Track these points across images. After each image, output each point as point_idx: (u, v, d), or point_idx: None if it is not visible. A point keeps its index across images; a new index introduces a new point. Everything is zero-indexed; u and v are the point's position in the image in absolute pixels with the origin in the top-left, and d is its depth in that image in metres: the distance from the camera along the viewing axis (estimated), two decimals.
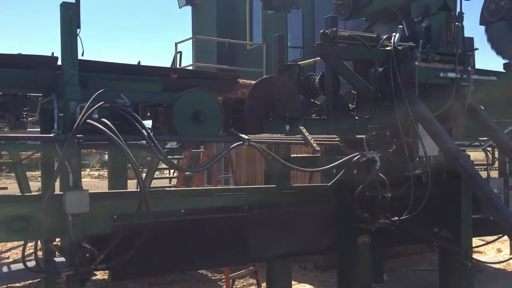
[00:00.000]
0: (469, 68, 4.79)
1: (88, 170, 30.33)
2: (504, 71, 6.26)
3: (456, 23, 4.80)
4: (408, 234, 4.76)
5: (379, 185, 4.38)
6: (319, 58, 5.03)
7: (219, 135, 4.37)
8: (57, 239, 4.47)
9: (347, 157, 4.39)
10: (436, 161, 4.73)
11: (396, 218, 4.43)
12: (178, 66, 10.66)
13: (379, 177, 4.38)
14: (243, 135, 4.09)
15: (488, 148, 5.56)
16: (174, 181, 9.66)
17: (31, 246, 5.13)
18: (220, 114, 4.30)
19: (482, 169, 5.64)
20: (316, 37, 5.99)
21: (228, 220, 4.27)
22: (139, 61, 5.67)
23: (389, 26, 5.43)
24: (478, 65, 5.15)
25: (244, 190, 4.83)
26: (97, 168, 32.16)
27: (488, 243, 6.51)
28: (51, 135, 3.70)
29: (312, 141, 4.41)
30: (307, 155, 5.27)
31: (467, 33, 4.99)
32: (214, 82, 4.67)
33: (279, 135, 4.55)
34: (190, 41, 10.94)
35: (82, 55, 3.75)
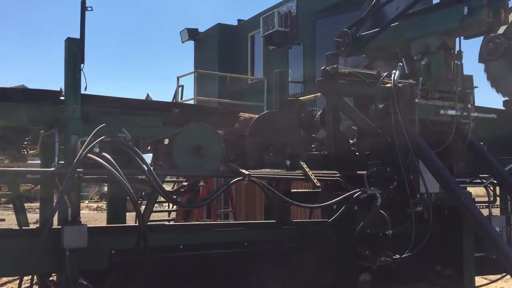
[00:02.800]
0: (469, 106, 4.82)
1: (86, 202, 30.16)
2: (503, 108, 6.30)
3: (456, 62, 4.86)
4: (410, 272, 4.69)
5: (380, 222, 4.34)
6: (319, 93, 5.08)
7: (220, 170, 4.37)
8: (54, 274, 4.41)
9: (348, 193, 4.37)
10: (437, 198, 4.70)
11: (398, 256, 4.37)
12: (180, 100, 10.77)
13: (380, 214, 4.35)
14: (243, 170, 4.08)
15: (489, 185, 5.53)
16: (173, 214, 9.60)
17: (27, 281, 5.06)
18: (221, 149, 4.31)
19: (484, 207, 5.59)
20: (317, 72, 6.06)
21: (227, 256, 4.22)
22: (148, 94, 5.73)
23: (389, 63, 5.50)
24: (477, 103, 5.20)
25: (244, 225, 4.79)
26: (95, 200, 32.00)
27: (491, 282, 6.41)
28: (51, 169, 3.70)
29: (312, 177, 4.40)
30: (307, 190, 5.25)
31: (466, 70, 5.06)
32: (215, 117, 4.70)
33: (279, 170, 4.54)
34: (192, 75, 11.07)
35: (85, 89, 3.80)
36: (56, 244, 3.43)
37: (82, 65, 3.74)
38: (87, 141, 3.53)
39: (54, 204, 3.64)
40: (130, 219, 7.40)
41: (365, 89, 4.69)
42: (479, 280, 5.86)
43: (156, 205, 7.96)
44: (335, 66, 4.63)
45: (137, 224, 3.64)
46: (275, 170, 4.50)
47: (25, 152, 4.82)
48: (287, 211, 4.71)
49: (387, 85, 4.68)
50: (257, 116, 5.05)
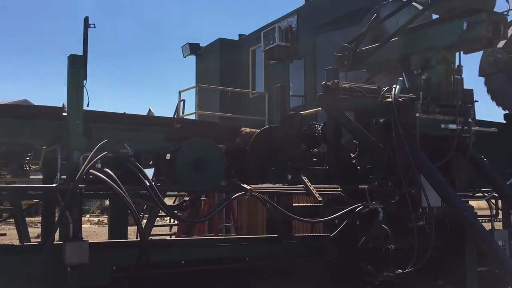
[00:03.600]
0: (470, 120, 4.84)
1: (88, 216, 30.08)
2: (504, 122, 6.32)
3: (456, 76, 4.88)
4: (413, 287, 4.66)
5: (382, 237, 4.33)
6: (320, 108, 5.09)
7: (221, 185, 4.37)
8: None
9: (350, 208, 4.36)
10: (439, 212, 4.70)
11: (401, 270, 4.35)
12: (181, 114, 10.80)
13: (382, 228, 4.34)
14: (245, 185, 4.09)
15: (491, 199, 5.52)
16: (174, 229, 9.57)
17: None
18: (223, 164, 4.32)
19: (486, 220, 5.58)
20: (318, 86, 6.09)
21: (229, 271, 4.21)
22: (149, 109, 5.75)
23: (390, 78, 5.53)
24: (478, 116, 5.21)
25: (246, 240, 4.77)
26: (97, 214, 31.90)
27: None
28: (54, 185, 3.71)
29: (314, 191, 4.40)
30: (309, 204, 5.24)
31: (466, 84, 5.08)
32: (216, 132, 4.71)
33: (281, 185, 4.54)
34: (194, 89, 11.11)
35: (88, 105, 3.82)
36: (58, 260, 3.43)
37: (84, 81, 3.77)
38: (89, 157, 3.55)
39: (56, 219, 3.64)
40: (132, 233, 7.39)
41: (366, 103, 4.71)
42: None
43: (157, 219, 7.96)
44: (335, 81, 4.66)
45: (138, 240, 3.64)
46: (276, 184, 4.51)
47: (27, 168, 4.83)
48: (288, 226, 4.70)
49: (387, 100, 4.71)
50: (258, 131, 5.07)
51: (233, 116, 10.93)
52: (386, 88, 4.76)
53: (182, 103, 10.75)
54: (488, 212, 5.57)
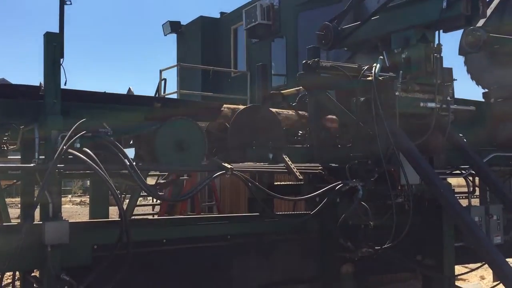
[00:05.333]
0: (448, 98, 4.89)
1: (69, 196, 29.89)
2: (483, 100, 6.40)
3: (435, 55, 4.91)
4: (392, 262, 4.76)
5: (361, 214, 4.40)
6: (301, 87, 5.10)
7: (202, 164, 4.37)
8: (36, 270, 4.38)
9: (330, 186, 4.41)
10: (418, 189, 4.77)
11: (379, 246, 4.44)
12: (162, 93, 10.71)
13: (362, 206, 4.40)
14: (226, 164, 4.09)
15: (469, 176, 5.62)
16: (157, 208, 9.58)
17: (9, 277, 5.02)
18: (204, 143, 4.31)
19: (463, 197, 5.69)
20: (299, 65, 6.07)
21: (210, 249, 4.24)
22: (129, 88, 5.67)
23: (370, 56, 5.54)
24: (457, 95, 5.27)
25: (227, 219, 4.81)
26: (79, 194, 31.70)
27: (471, 270, 6.51)
28: (32, 165, 3.66)
29: (295, 170, 4.43)
30: (291, 183, 5.28)
31: (446, 63, 5.11)
32: (197, 111, 4.69)
33: (262, 163, 4.56)
34: (175, 68, 11.00)
35: (65, 84, 3.77)
36: (38, 240, 3.41)
37: (61, 59, 3.71)
38: (67, 136, 3.51)
39: (35, 199, 3.61)
40: (115, 213, 7.39)
41: (346, 82, 4.73)
42: (459, 269, 5.96)
43: (140, 199, 7.96)
44: (316, 59, 4.65)
45: (119, 219, 3.64)
46: (258, 163, 4.52)
47: (5, 148, 4.76)
48: (270, 204, 4.74)
49: (368, 79, 4.72)
50: (239, 107, 5.05)
51: (215, 95, 10.87)
52: (366, 67, 4.77)
53: (163, 82, 10.65)
54: (466, 189, 5.68)
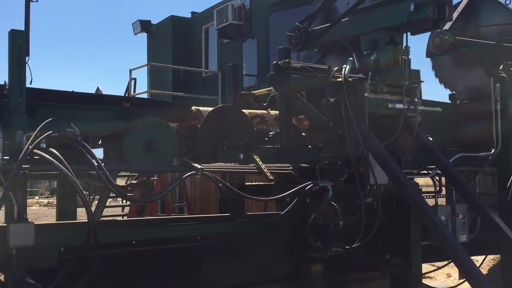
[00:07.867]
0: (416, 99, 4.97)
1: (36, 197, 29.21)
2: (449, 101, 6.54)
3: (403, 57, 4.99)
4: (361, 261, 4.82)
5: (331, 214, 4.43)
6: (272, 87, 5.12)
7: (172, 164, 4.33)
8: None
9: (300, 186, 4.44)
10: (386, 189, 4.84)
11: (349, 246, 4.48)
12: (132, 93, 10.57)
13: (332, 206, 4.44)
14: (196, 165, 4.07)
15: (436, 176, 5.74)
16: (127, 209, 9.45)
17: None
18: (174, 143, 4.27)
19: (430, 197, 5.80)
20: (271, 66, 6.11)
21: (181, 250, 4.21)
22: (98, 87, 5.57)
23: (340, 58, 5.60)
24: (425, 96, 5.36)
25: (198, 219, 4.78)
26: (46, 195, 31.02)
27: (437, 268, 6.66)
28: None
29: (265, 170, 4.44)
30: (261, 183, 5.29)
31: (414, 65, 5.20)
32: (167, 110, 4.65)
33: (233, 164, 4.55)
34: (145, 67, 10.89)
35: (31, 83, 3.68)
36: (2, 242, 3.33)
37: (27, 57, 3.62)
38: (32, 136, 3.43)
39: None
40: (83, 214, 7.25)
41: (316, 83, 4.76)
42: (426, 267, 6.08)
43: (110, 200, 7.82)
44: (287, 60, 4.67)
45: (86, 221, 3.57)
46: (228, 163, 4.51)
47: None
48: (240, 205, 4.73)
49: (338, 79, 4.77)
50: (210, 109, 5.04)
51: (186, 95, 10.80)
52: (336, 68, 4.82)
53: (133, 81, 10.53)
54: (433, 189, 5.78)
